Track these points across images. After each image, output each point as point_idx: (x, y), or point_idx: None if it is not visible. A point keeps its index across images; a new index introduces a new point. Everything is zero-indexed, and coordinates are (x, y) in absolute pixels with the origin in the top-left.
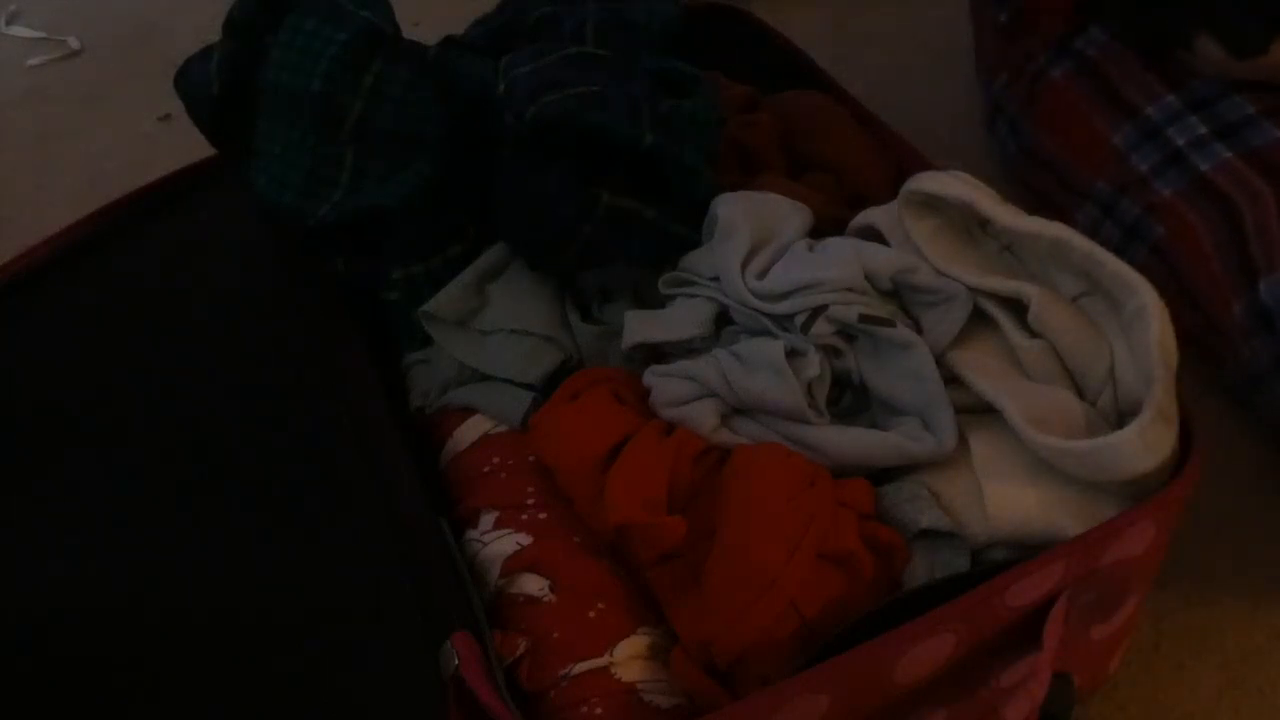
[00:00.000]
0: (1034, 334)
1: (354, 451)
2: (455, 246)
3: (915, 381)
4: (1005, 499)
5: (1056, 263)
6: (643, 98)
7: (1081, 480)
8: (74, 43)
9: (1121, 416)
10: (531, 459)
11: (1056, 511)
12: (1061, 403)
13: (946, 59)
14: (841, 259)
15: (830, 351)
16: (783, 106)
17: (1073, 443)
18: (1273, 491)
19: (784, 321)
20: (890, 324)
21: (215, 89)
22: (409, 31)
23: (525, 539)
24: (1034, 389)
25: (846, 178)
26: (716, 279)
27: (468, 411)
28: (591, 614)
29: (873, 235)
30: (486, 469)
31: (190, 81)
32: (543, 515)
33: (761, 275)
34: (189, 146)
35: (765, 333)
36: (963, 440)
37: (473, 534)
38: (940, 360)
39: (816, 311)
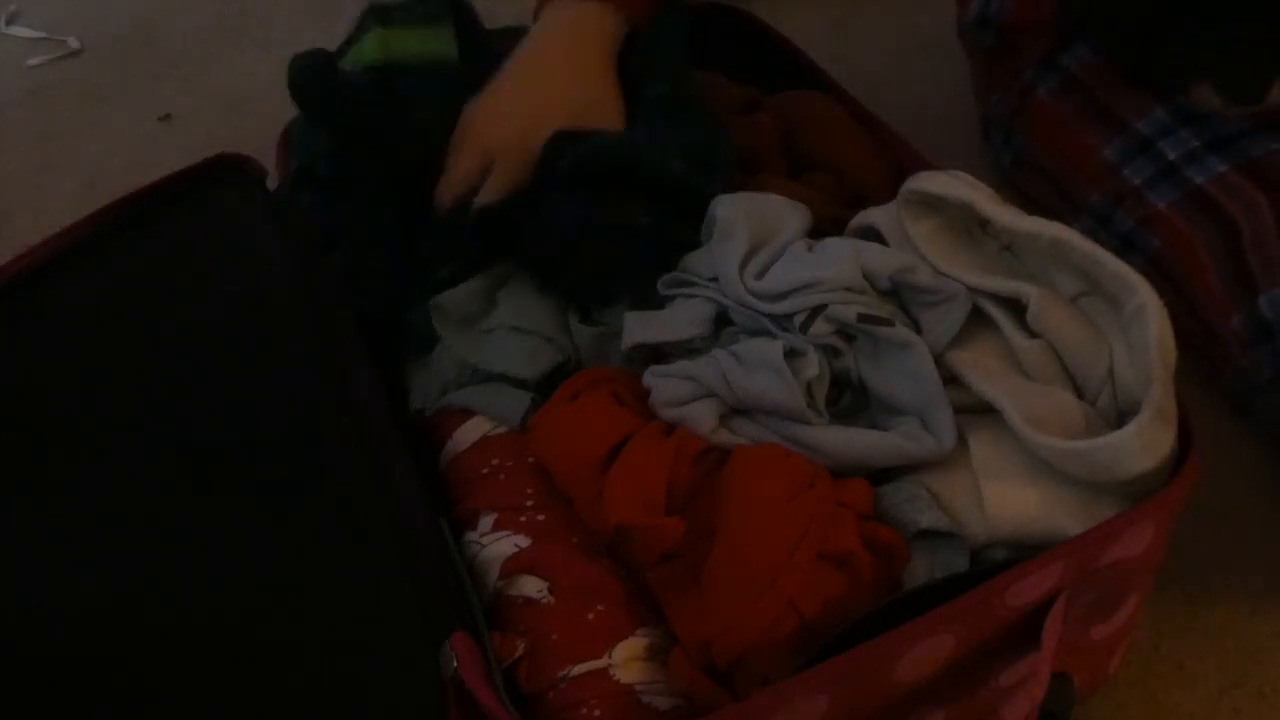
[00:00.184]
0: (1033, 334)
1: (354, 452)
2: (445, 269)
3: (914, 381)
4: (1004, 499)
5: (1056, 263)
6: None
7: (1081, 480)
8: (74, 43)
9: (1121, 416)
10: (531, 460)
11: (1056, 511)
12: (1061, 403)
13: (946, 59)
14: (840, 259)
15: (829, 351)
16: (783, 106)
17: (1072, 443)
18: (1273, 491)
19: (783, 321)
20: (889, 323)
21: None
22: None
23: (524, 541)
24: (1033, 389)
25: (846, 178)
26: (715, 279)
27: (467, 413)
28: (590, 615)
29: (872, 235)
30: (486, 470)
31: None
32: (542, 517)
33: (760, 275)
34: (189, 146)
35: (764, 333)
36: (962, 440)
37: (472, 535)
38: (939, 360)
39: (815, 311)
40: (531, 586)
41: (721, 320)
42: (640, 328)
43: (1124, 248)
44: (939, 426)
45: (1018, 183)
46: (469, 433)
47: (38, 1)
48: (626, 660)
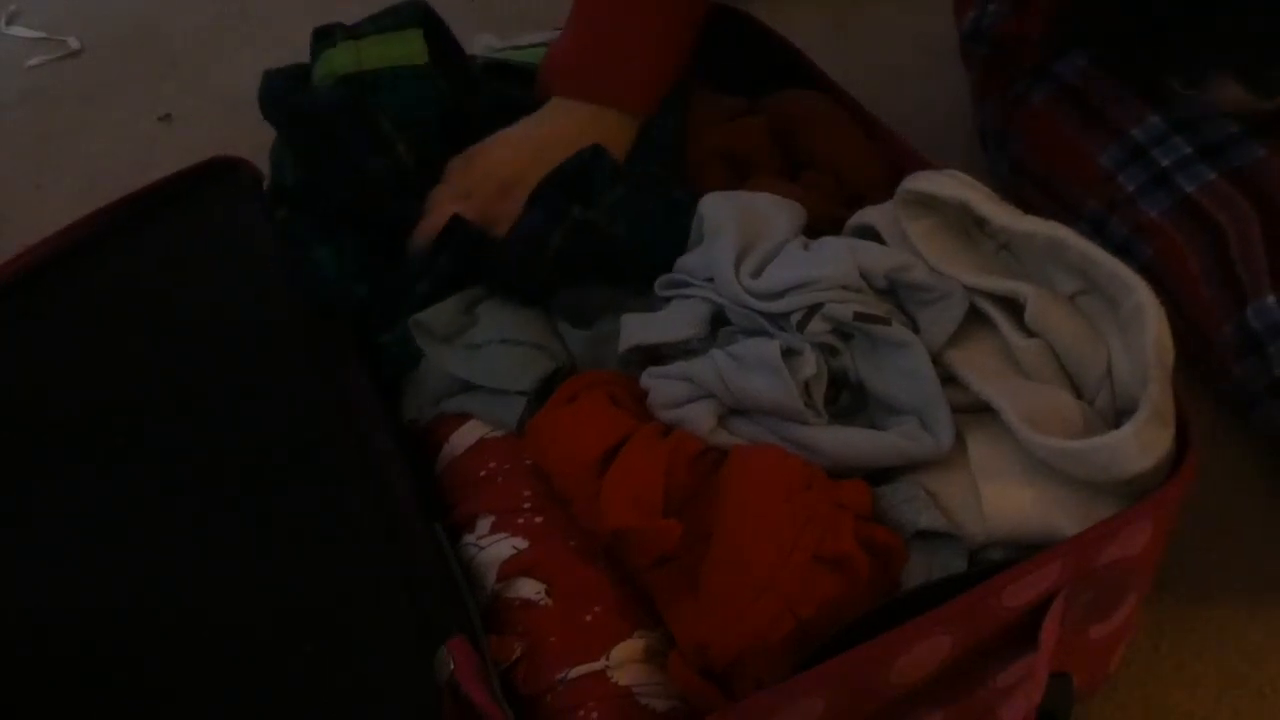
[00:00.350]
0: (1031, 333)
1: (351, 455)
2: (422, 285)
3: (912, 380)
4: (1002, 499)
5: (1053, 262)
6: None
7: (1078, 480)
8: (74, 43)
9: (1118, 416)
10: (528, 463)
11: (1054, 511)
12: (1058, 402)
13: (946, 59)
14: (836, 257)
15: (826, 350)
16: (781, 106)
17: (1069, 442)
18: (1272, 491)
19: (780, 320)
20: (886, 322)
21: None
22: None
23: (522, 543)
24: (1031, 388)
25: (844, 177)
26: (711, 279)
27: (464, 416)
28: (588, 617)
29: (869, 234)
30: (483, 473)
31: None
32: (539, 519)
33: (756, 274)
34: (189, 146)
35: (761, 332)
36: (960, 440)
37: (469, 538)
38: (937, 360)
39: (812, 310)
40: (529, 589)
41: (718, 320)
42: (637, 329)
43: (1119, 255)
44: (937, 426)
45: (1015, 190)
46: (466, 436)
47: (38, 1)
48: (624, 662)
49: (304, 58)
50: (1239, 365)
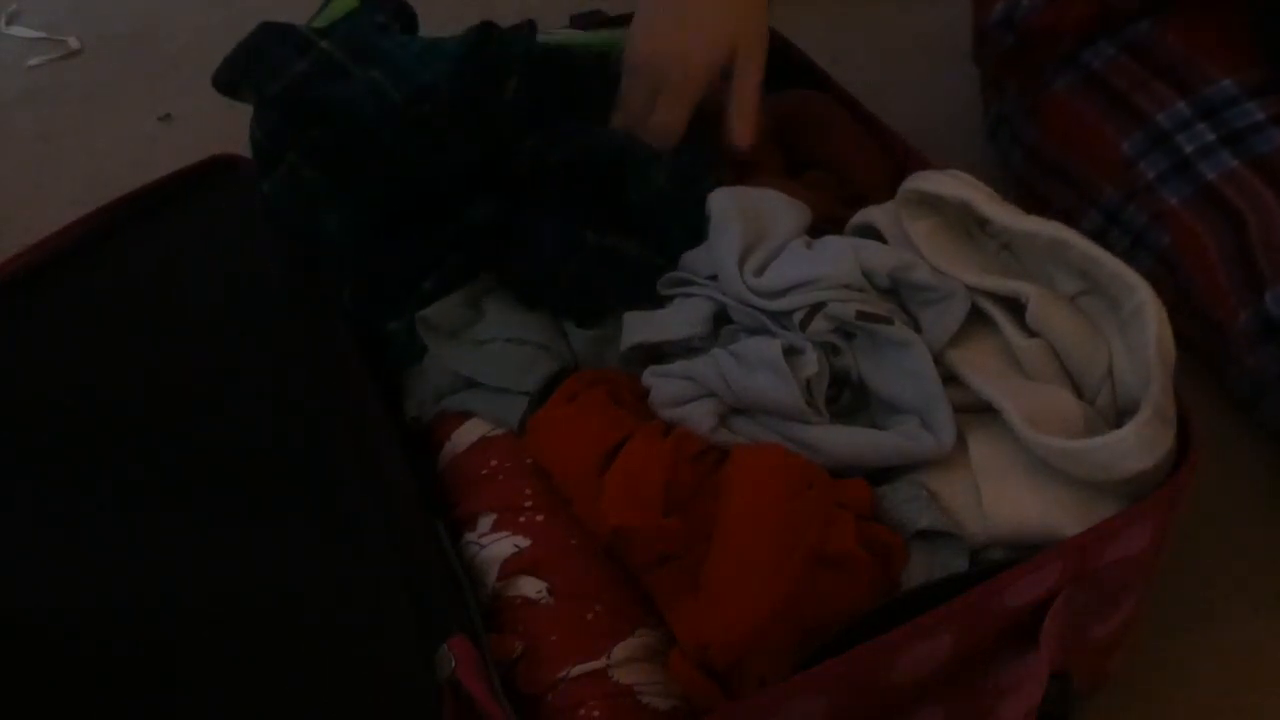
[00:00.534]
0: (1032, 333)
1: (351, 454)
2: (427, 281)
3: (914, 380)
4: (1003, 499)
5: (1054, 262)
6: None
7: (1080, 480)
8: (74, 43)
9: (1120, 416)
10: (530, 461)
11: (1054, 511)
12: (1060, 402)
13: (946, 59)
14: (839, 256)
15: (828, 349)
16: (782, 106)
17: (1071, 442)
18: (1273, 492)
19: (782, 319)
20: (888, 321)
21: None
22: None
23: (523, 541)
24: (1032, 388)
25: (846, 177)
26: (714, 278)
27: (466, 414)
28: (589, 616)
29: (871, 234)
30: (485, 471)
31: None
32: (540, 518)
33: (759, 272)
34: (189, 146)
35: (763, 331)
36: (961, 440)
37: (471, 536)
38: (939, 359)
39: (814, 309)
40: (530, 587)
41: (720, 319)
42: (639, 328)
43: (1135, 245)
44: (938, 425)
45: (1026, 181)
46: (467, 434)
47: (38, 1)
48: (625, 661)
49: None
50: (1253, 353)
